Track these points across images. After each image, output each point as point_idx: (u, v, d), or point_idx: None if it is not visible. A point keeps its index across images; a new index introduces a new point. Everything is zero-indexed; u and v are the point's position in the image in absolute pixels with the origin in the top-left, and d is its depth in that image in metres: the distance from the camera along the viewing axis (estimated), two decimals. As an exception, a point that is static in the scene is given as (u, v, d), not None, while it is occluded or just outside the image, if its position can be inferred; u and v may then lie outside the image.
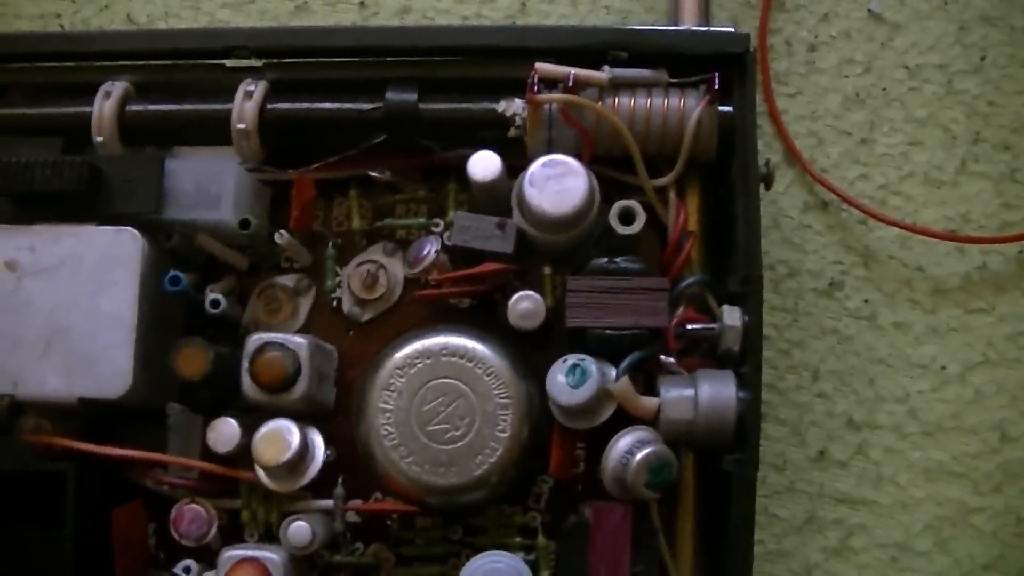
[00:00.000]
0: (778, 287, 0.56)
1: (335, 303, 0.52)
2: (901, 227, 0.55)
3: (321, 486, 0.50)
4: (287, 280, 0.52)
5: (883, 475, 0.55)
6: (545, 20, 0.59)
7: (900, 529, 0.55)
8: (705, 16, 0.55)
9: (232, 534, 0.50)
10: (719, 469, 0.49)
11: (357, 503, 0.50)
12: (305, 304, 0.52)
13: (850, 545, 0.55)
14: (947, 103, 0.57)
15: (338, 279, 0.52)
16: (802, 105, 0.58)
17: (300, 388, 0.48)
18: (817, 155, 0.57)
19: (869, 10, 0.58)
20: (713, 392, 0.48)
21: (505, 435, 0.48)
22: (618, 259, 0.49)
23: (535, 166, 0.48)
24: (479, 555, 0.48)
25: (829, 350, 0.56)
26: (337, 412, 0.51)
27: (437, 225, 0.52)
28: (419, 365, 0.48)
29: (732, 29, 0.50)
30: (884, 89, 0.57)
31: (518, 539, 0.50)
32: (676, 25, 0.55)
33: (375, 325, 0.52)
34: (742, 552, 0.47)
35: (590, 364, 0.47)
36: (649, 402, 0.48)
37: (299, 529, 0.48)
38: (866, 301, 0.56)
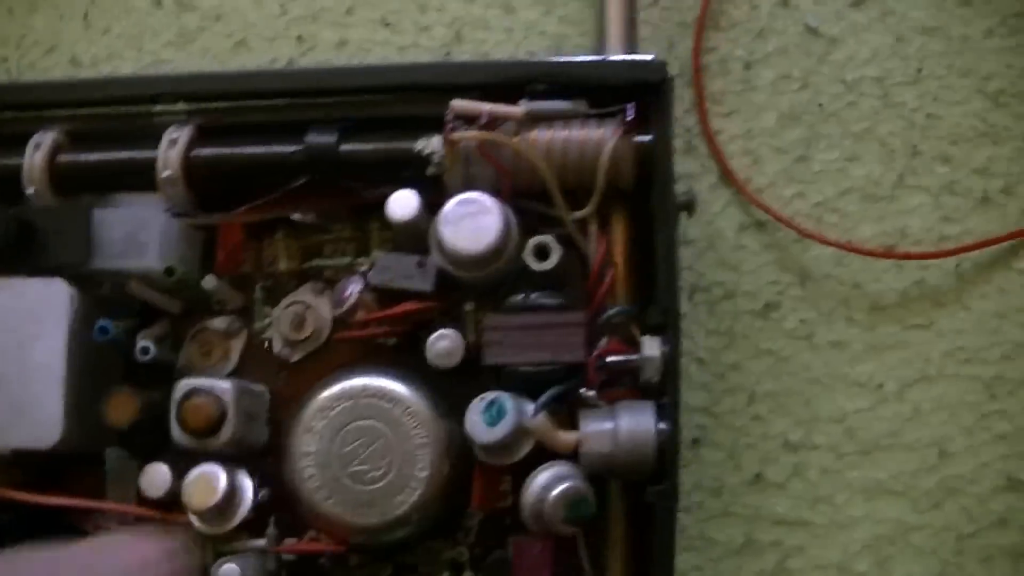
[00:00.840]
0: (713, 309, 0.56)
1: (266, 344, 0.53)
2: (836, 246, 0.55)
3: (258, 525, 0.51)
4: (219, 323, 0.53)
5: (820, 495, 0.55)
6: (481, 47, 0.59)
7: (838, 549, 0.54)
8: (631, 41, 0.55)
9: None
10: (642, 500, 0.49)
11: (292, 542, 0.51)
12: (237, 346, 0.53)
13: (788, 567, 0.55)
14: (884, 116, 0.56)
15: (268, 320, 0.52)
16: (737, 124, 0.57)
17: (227, 432, 0.49)
18: (754, 174, 0.57)
19: (806, 25, 0.57)
20: (632, 424, 0.48)
21: (425, 474, 0.48)
22: (534, 294, 0.49)
23: (449, 205, 0.48)
24: (408, 591, 0.49)
25: (765, 371, 0.55)
26: (270, 452, 0.52)
27: (362, 264, 0.52)
28: (339, 407, 0.49)
29: (651, 57, 0.50)
30: (820, 105, 0.57)
31: (446, 574, 0.50)
32: (603, 51, 0.55)
33: (305, 365, 0.52)
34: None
35: (506, 401, 0.48)
36: (567, 436, 0.48)
37: (229, 572, 0.49)
38: (802, 321, 0.56)
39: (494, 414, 0.48)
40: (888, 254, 0.55)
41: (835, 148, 0.56)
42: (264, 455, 0.52)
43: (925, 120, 0.56)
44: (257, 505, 0.51)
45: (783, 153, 0.57)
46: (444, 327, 0.50)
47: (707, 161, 0.57)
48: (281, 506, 0.51)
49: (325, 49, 0.59)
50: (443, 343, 0.49)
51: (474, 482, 0.49)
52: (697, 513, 0.54)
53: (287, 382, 0.52)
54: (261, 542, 0.50)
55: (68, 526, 0.51)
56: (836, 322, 0.55)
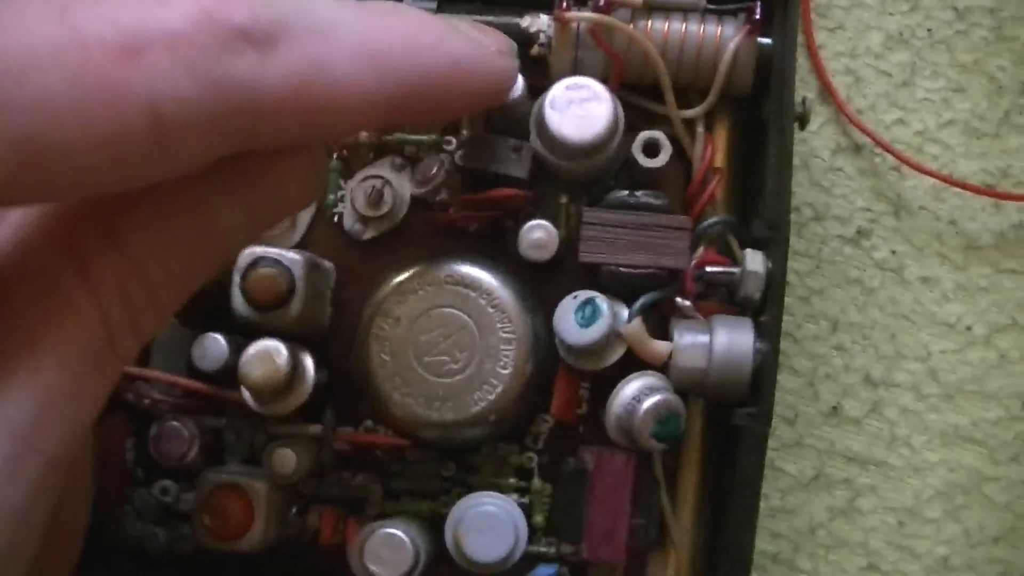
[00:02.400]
0: (802, 231, 0.52)
1: (336, 218, 0.48)
2: (936, 177, 0.52)
3: (309, 410, 0.47)
4: (286, 191, 0.48)
5: (897, 436, 0.52)
6: (577, -68, 0.54)
7: (910, 493, 0.52)
8: (749, -61, 0.51)
9: (214, 455, 0.47)
10: (729, 422, 0.46)
11: (347, 431, 0.47)
12: (304, 218, 0.48)
13: (857, 506, 0.52)
14: (995, 49, 0.53)
15: (341, 193, 0.48)
16: (842, 41, 0.53)
17: (294, 307, 0.45)
18: (853, 94, 0.53)
19: (920, -56, 0.54)
20: (729, 341, 0.44)
21: (506, 372, 0.44)
22: (639, 193, 0.45)
23: (558, 88, 0.44)
24: (471, 495, 0.45)
25: (851, 301, 0.52)
26: (330, 334, 0.48)
27: (449, 143, 0.48)
28: (420, 292, 0.45)
29: (778, -45, 0.46)
30: (929, 30, 0.53)
31: (512, 480, 0.47)
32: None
33: (376, 244, 0.48)
34: (748, 511, 0.44)
35: (602, 303, 0.44)
36: (661, 347, 0.45)
37: (283, 456, 0.45)
38: (893, 252, 0.52)
39: (588, 314, 0.44)
40: (990, 192, 0.52)
41: (940, 77, 0.53)
42: (324, 337, 0.48)
43: (1038, 58, 0.53)
44: (313, 390, 0.47)
45: (887, 76, 0.53)
46: (536, 218, 0.46)
47: (807, 76, 0.53)
48: (337, 393, 0.47)
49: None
50: (537, 233, 0.45)
51: (556, 386, 0.46)
52: (769, 441, 0.51)
53: (355, 261, 0.48)
54: (316, 428, 0.47)
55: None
56: (928, 258, 0.52)
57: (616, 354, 0.45)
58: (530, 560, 0.46)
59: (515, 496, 0.46)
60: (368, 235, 0.48)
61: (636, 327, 0.44)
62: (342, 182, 0.48)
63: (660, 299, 0.45)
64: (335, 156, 0.48)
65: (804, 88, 0.53)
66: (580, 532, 0.45)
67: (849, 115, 0.52)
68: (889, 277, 0.52)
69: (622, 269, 0.45)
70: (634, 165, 0.45)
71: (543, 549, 0.46)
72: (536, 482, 0.47)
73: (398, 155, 0.48)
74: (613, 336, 0.44)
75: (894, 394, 0.52)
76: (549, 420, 0.47)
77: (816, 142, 0.53)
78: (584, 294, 0.44)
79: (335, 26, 0.31)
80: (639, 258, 0.45)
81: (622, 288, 0.45)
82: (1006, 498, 0.51)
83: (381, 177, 0.48)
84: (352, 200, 0.48)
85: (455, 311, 0.45)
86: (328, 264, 0.48)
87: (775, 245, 0.45)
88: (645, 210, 0.45)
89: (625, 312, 0.45)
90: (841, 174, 0.53)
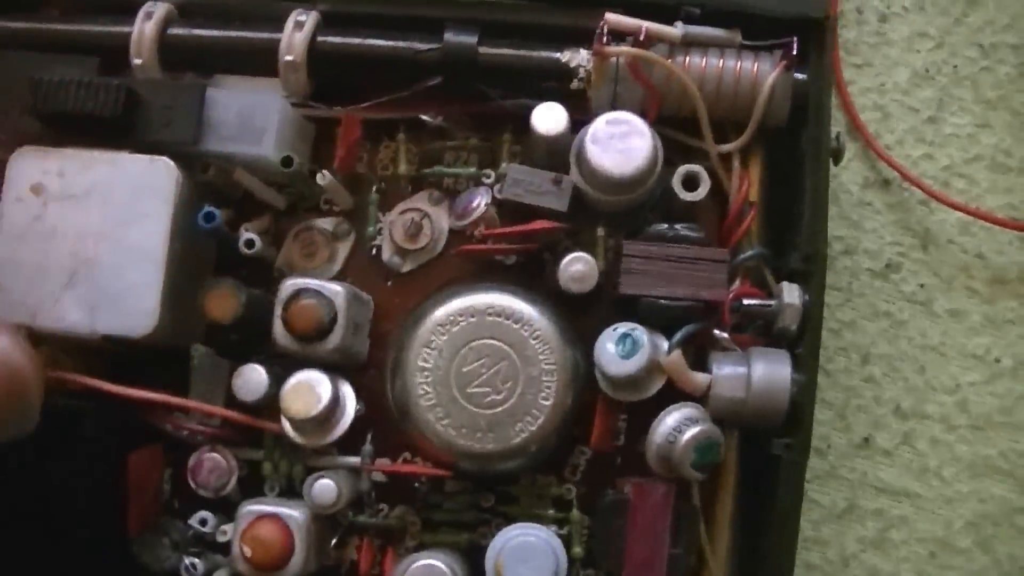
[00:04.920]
0: (833, 264, 0.52)
1: (374, 251, 0.48)
2: (964, 211, 0.51)
3: (347, 442, 0.46)
4: (326, 223, 0.48)
5: (928, 467, 0.51)
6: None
7: (941, 524, 0.51)
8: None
9: (251, 486, 0.46)
10: (767, 452, 0.45)
11: (385, 463, 0.46)
12: (343, 249, 0.48)
13: (889, 537, 0.51)
14: (1020, 86, 0.53)
15: (379, 226, 0.48)
16: (869, 77, 0.53)
17: (335, 338, 0.44)
18: (882, 130, 0.53)
19: (944, -18, 0.53)
20: (767, 372, 0.44)
21: (548, 403, 0.44)
22: (678, 226, 0.45)
23: (599, 123, 0.44)
24: (511, 526, 0.45)
25: (881, 333, 0.52)
26: (369, 365, 0.47)
27: (488, 176, 0.47)
28: (462, 323, 0.44)
29: (813, -7, 0.46)
30: (955, 67, 0.53)
31: (551, 511, 0.46)
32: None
33: (415, 277, 0.47)
34: (787, 539, 0.44)
35: (642, 334, 0.43)
36: (700, 378, 0.44)
37: (325, 487, 0.44)
38: (922, 286, 0.52)
39: (628, 346, 0.43)
40: (1016, 225, 0.51)
41: (967, 113, 0.53)
42: (363, 368, 0.47)
43: (1061, 94, 0.53)
44: (353, 421, 0.46)
45: (913, 112, 0.53)
46: (574, 250, 0.45)
47: (836, 112, 0.53)
48: (375, 424, 0.47)
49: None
50: (578, 266, 0.45)
51: (596, 418, 0.45)
52: (801, 473, 0.51)
53: (393, 293, 0.47)
54: (354, 460, 0.46)
55: (143, 424, 0.46)
56: (956, 290, 0.52)
57: (656, 385, 0.44)
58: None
59: (554, 527, 0.45)
60: (407, 267, 0.48)
61: (676, 358, 0.44)
62: (380, 215, 0.48)
63: (698, 330, 0.45)
64: (374, 189, 0.48)
65: (833, 124, 0.51)
66: (620, 562, 0.44)
67: (878, 150, 0.52)
68: (918, 310, 0.52)
69: (662, 301, 0.44)
70: (672, 197, 0.45)
71: (584, 582, 0.45)
72: (575, 513, 0.46)
73: (436, 188, 0.48)
74: (653, 367, 0.44)
75: (925, 425, 0.51)
76: (587, 452, 0.47)
77: (845, 177, 0.52)
78: (624, 326, 0.44)
79: None
80: (678, 290, 0.44)
81: (660, 320, 0.44)
82: (1037, 528, 0.51)
83: (420, 210, 0.47)
84: (391, 232, 0.47)
85: (497, 342, 0.44)
86: (367, 296, 0.47)
87: (812, 277, 0.45)
88: (684, 243, 0.44)
89: (664, 343, 0.44)
90: (870, 208, 0.52)
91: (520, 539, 0.44)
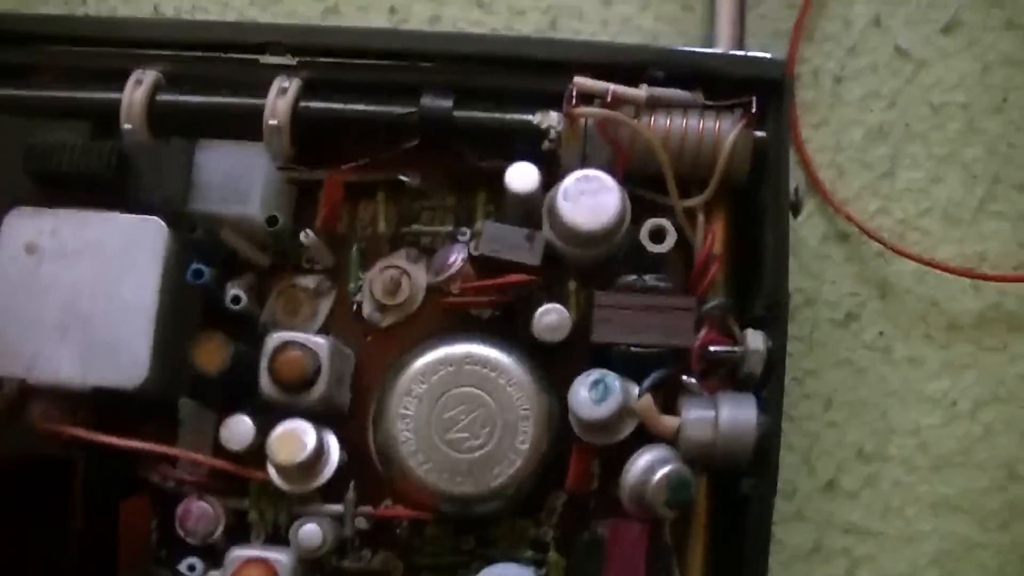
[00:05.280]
0: (794, 315, 0.54)
1: (355, 307, 0.49)
2: (920, 261, 0.53)
3: (330, 490, 0.47)
4: (308, 281, 0.49)
5: (891, 507, 0.53)
6: (576, 37, 0.56)
7: (906, 562, 0.53)
8: (740, 41, 0.53)
9: (238, 534, 0.48)
10: (735, 493, 0.47)
11: (367, 509, 0.48)
12: (325, 305, 0.50)
13: (857, 575, 0.53)
14: (969, 141, 0.55)
15: (360, 283, 0.49)
16: (826, 136, 0.56)
17: (319, 388, 0.46)
18: (838, 186, 0.55)
19: (896, 46, 0.56)
20: (733, 414, 0.46)
21: (525, 447, 0.45)
22: (647, 277, 0.47)
23: (570, 180, 0.46)
24: (490, 566, 0.46)
25: (842, 381, 0.54)
26: (351, 416, 0.49)
27: (464, 234, 0.49)
28: (441, 372, 0.46)
29: (769, 55, 0.48)
30: (907, 124, 0.55)
31: (529, 553, 0.48)
32: (711, 47, 0.53)
33: (394, 331, 0.49)
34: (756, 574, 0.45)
35: (613, 380, 0.45)
36: (670, 421, 0.46)
37: (310, 532, 0.46)
38: (881, 334, 0.54)
39: (601, 391, 0.45)
40: (970, 273, 0.54)
41: (919, 168, 0.55)
42: (345, 419, 0.48)
43: (1007, 149, 0.55)
44: (336, 470, 0.48)
45: (868, 168, 0.55)
46: (547, 302, 0.47)
47: (795, 169, 0.55)
48: (356, 473, 0.48)
49: (417, 23, 0.57)
50: (551, 317, 0.46)
51: (571, 461, 0.47)
52: (768, 515, 0.52)
53: (373, 347, 0.49)
54: (337, 507, 0.47)
55: (131, 475, 0.47)
56: (914, 338, 0.54)
57: (628, 428, 0.46)
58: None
59: (532, 569, 0.47)
60: (386, 322, 0.49)
61: (647, 402, 0.45)
62: (360, 273, 0.49)
63: (668, 376, 0.46)
64: (355, 248, 0.49)
65: (792, 179, 0.54)
66: (597, 603, 0.45)
67: (835, 205, 0.54)
68: (878, 357, 0.54)
69: (633, 348, 0.46)
70: (640, 251, 0.47)
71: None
72: (552, 555, 0.48)
73: (414, 246, 0.50)
74: (624, 411, 0.46)
75: (887, 467, 0.53)
76: (563, 496, 0.48)
77: (805, 231, 0.55)
78: (596, 372, 0.45)
79: None
80: (648, 338, 0.46)
81: (632, 366, 0.46)
82: (997, 563, 0.52)
83: (398, 267, 0.49)
84: (371, 289, 0.49)
85: (475, 390, 0.46)
86: (348, 350, 0.49)
87: (775, 324, 0.46)
88: (652, 292, 0.46)
89: (635, 388, 0.46)
90: (829, 261, 0.55)
91: (499, 570, 0.45)
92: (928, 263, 0.54)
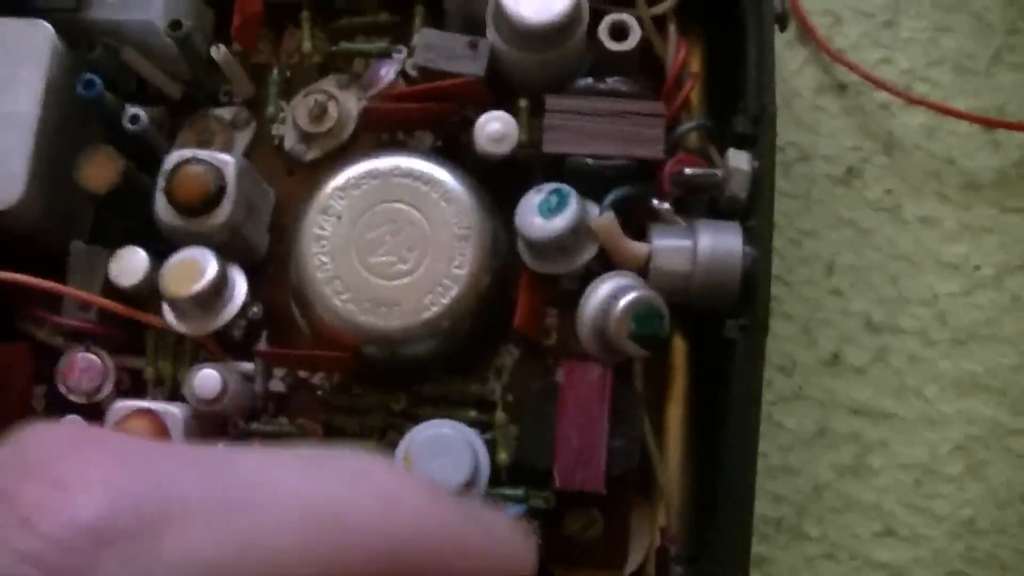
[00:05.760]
0: (788, 171, 0.46)
1: (277, 141, 0.42)
2: (933, 107, 0.46)
3: (241, 348, 0.40)
4: (224, 112, 0.42)
5: (907, 385, 0.45)
6: None
7: (926, 448, 0.44)
8: None
9: (131, 394, 0.40)
10: (720, 337, 0.39)
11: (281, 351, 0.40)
12: (242, 139, 0.42)
13: (867, 463, 0.44)
14: (979, -11, 0.48)
15: (282, 115, 0.42)
16: (817, -19, 0.49)
17: (224, 211, 0.38)
18: (834, 34, 0.48)
19: None
20: (715, 243, 0.38)
21: (462, 272, 0.37)
22: (608, 79, 0.39)
23: (515, -28, 0.39)
24: (423, 423, 0.38)
25: (846, 243, 0.46)
26: (268, 263, 0.41)
27: (400, 51, 0.42)
28: (364, 186, 0.38)
29: None
30: (909, -30, 0.49)
31: (472, 413, 0.39)
32: None
33: (320, 167, 0.42)
34: (745, 432, 0.37)
35: (570, 192, 0.38)
36: (638, 247, 0.38)
37: (207, 377, 0.38)
38: (888, 192, 0.46)
39: (554, 204, 0.37)
40: (986, 120, 0.46)
41: (924, 17, 0.48)
42: (261, 265, 0.41)
43: (1026, -3, 0.48)
44: (247, 325, 0.40)
45: (867, 16, 0.48)
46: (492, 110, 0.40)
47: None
48: (273, 330, 0.40)
49: None
50: (495, 125, 0.39)
51: (519, 295, 0.39)
52: (764, 393, 0.43)
53: (297, 186, 0.42)
54: (248, 366, 0.40)
55: (12, 328, 0.40)
56: (926, 197, 0.46)
57: (586, 254, 0.38)
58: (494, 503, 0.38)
59: (476, 431, 0.38)
60: (311, 155, 0.42)
61: (608, 220, 0.38)
62: (284, 103, 0.42)
63: (635, 195, 0.39)
64: (275, 71, 0.42)
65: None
66: (550, 456, 0.37)
67: (831, 52, 0.47)
68: (885, 217, 0.46)
69: (590, 160, 0.38)
70: (601, 51, 0.40)
71: (508, 492, 0.38)
72: (499, 415, 0.39)
73: (345, 71, 0.43)
74: (583, 232, 0.38)
75: (900, 340, 0.45)
76: (515, 352, 0.40)
77: (797, 82, 0.47)
78: (551, 184, 0.38)
79: (258, 487, 0.23)
80: (609, 148, 0.38)
81: (591, 182, 0.38)
82: (1034, 452, 0.44)
83: (325, 92, 0.42)
84: (294, 117, 0.42)
85: (403, 206, 0.38)
86: (268, 186, 0.41)
87: (761, 139, 0.39)
88: (614, 96, 0.39)
89: (595, 209, 0.38)
90: (825, 113, 0.47)
91: (433, 432, 0.37)
92: (943, 109, 0.46)
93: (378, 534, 0.23)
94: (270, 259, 0.41)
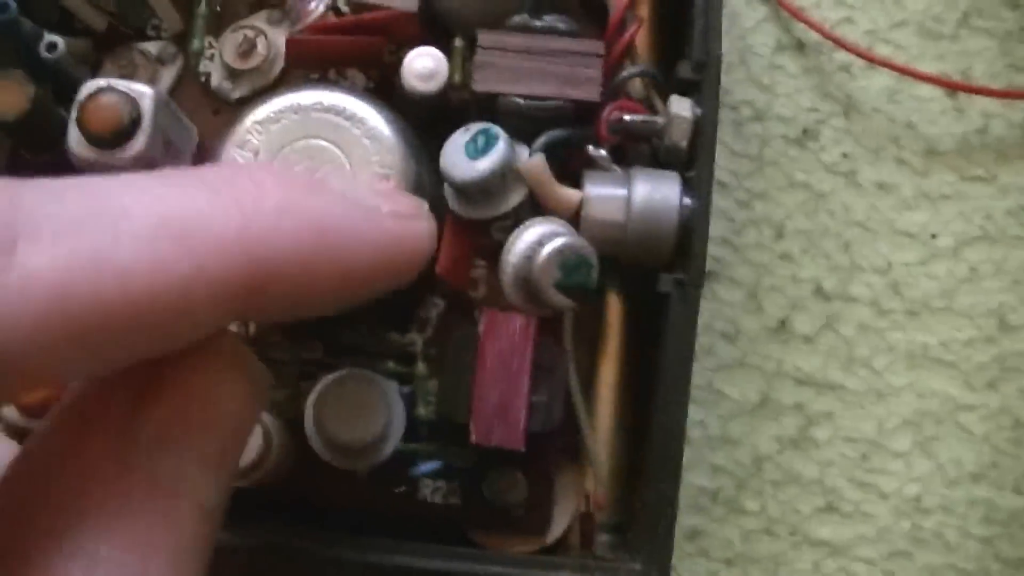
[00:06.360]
0: (740, 130, 0.44)
1: (204, 79, 0.40)
2: (893, 68, 0.43)
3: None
4: (150, 46, 0.40)
5: (855, 356, 0.42)
6: None
7: (873, 422, 0.41)
8: None
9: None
10: (655, 295, 0.36)
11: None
12: (167, 75, 0.40)
13: (811, 436, 0.41)
14: (948, -48, 0.46)
15: (210, 52, 0.40)
16: (780, -60, 0.46)
17: (138, 143, 0.35)
18: (795, -7, 0.45)
19: None
20: (651, 192, 0.35)
21: (383, 212, 0.35)
22: (546, 16, 0.37)
23: None
24: (336, 372, 0.35)
25: (798, 206, 0.43)
26: (189, 203, 0.38)
27: (334, -13, 0.40)
28: (284, 121, 0.36)
29: None
30: (872, -69, 0.46)
31: (391, 365, 0.37)
32: None
33: (247, 106, 0.39)
34: (676, 391, 0.34)
35: (499, 133, 0.35)
36: (569, 193, 0.36)
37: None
38: (845, 155, 0.44)
39: (480, 144, 0.35)
40: (950, 84, 0.43)
41: (890, -22, 0.46)
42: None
43: (994, -41, 0.46)
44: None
45: (830, -23, 0.46)
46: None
47: (743, -31, 0.46)
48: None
49: None
50: (424, 61, 0.36)
51: (443, 238, 0.36)
52: (705, 360, 0.41)
53: (222, 126, 0.39)
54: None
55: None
56: (884, 162, 0.44)
57: (514, 198, 0.36)
58: (411, 459, 0.36)
59: (394, 383, 0.36)
60: (238, 93, 0.39)
61: (538, 162, 0.35)
62: (213, 40, 0.40)
63: (568, 138, 0.36)
64: (203, 3, 0.40)
65: (741, -15, 0.45)
66: (467, 410, 0.34)
67: (792, 10, 0.44)
68: (840, 181, 0.43)
69: (522, 101, 0.36)
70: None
71: (425, 447, 0.36)
72: (420, 367, 0.37)
73: (278, 8, 0.40)
74: (511, 175, 0.35)
75: (851, 309, 0.42)
76: (439, 304, 0.38)
77: (754, 39, 0.45)
78: (479, 125, 0.35)
79: (109, 205, 0.23)
80: (544, 88, 0.36)
81: (524, 125, 0.36)
82: (984, 429, 0.41)
83: (254, 27, 0.39)
84: (221, 53, 0.39)
85: (323, 142, 0.35)
86: (190, 124, 0.39)
87: (705, 87, 0.36)
88: (551, 34, 0.36)
89: (525, 151, 0.36)
90: (783, 72, 0.45)
91: (345, 379, 0.35)
92: (906, 71, 0.43)
93: (236, 238, 0.22)
94: (190, 199, 0.39)
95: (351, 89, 0.37)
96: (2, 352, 0.20)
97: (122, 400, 0.24)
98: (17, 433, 0.35)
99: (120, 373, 0.24)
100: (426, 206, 0.28)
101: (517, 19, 0.37)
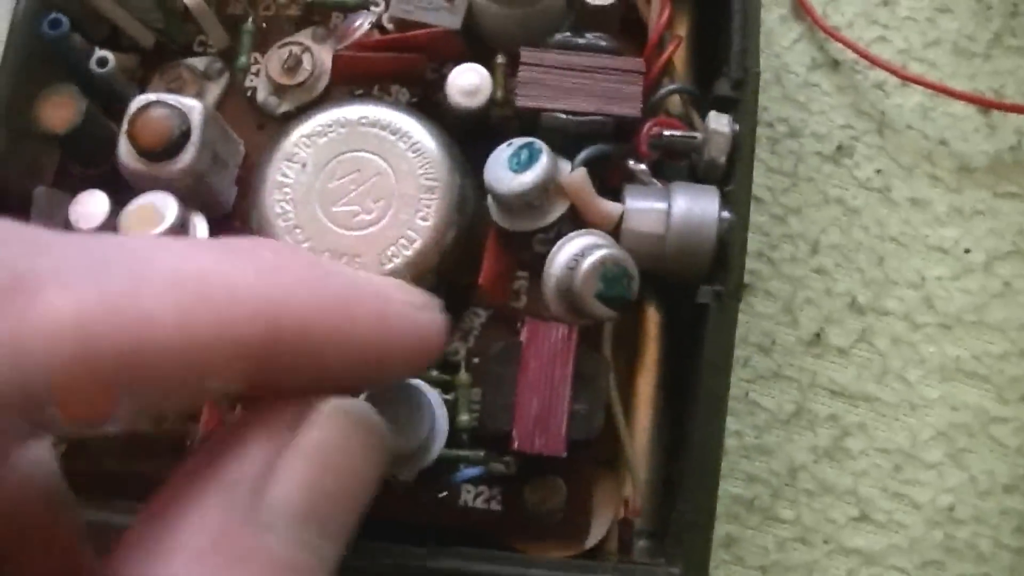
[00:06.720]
0: (776, 147, 0.44)
1: (250, 94, 0.40)
2: (926, 86, 0.44)
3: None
4: (197, 62, 0.41)
5: (889, 368, 0.42)
6: None
7: (906, 434, 0.41)
8: None
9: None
10: (693, 308, 0.36)
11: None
12: (214, 90, 0.40)
13: (845, 447, 0.41)
14: (981, -29, 0.46)
15: (256, 67, 0.40)
16: (814, -40, 0.46)
17: (187, 156, 0.36)
18: (830, 11, 0.46)
19: None
20: (691, 206, 0.36)
21: (426, 224, 0.35)
22: (587, 35, 0.37)
23: (494, -80, 0.37)
24: (381, 382, 0.36)
25: (832, 221, 0.43)
26: (235, 219, 0.39)
27: (377, 4, 0.40)
28: (331, 135, 0.36)
29: None
30: (909, -49, 0.46)
31: (435, 373, 0.37)
32: None
33: (293, 120, 0.40)
34: (714, 401, 0.35)
35: (542, 146, 0.36)
36: (610, 207, 0.36)
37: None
38: (878, 171, 0.44)
39: (524, 158, 0.35)
40: (983, 101, 0.44)
41: (923, -1, 0.46)
42: (227, 221, 0.39)
43: (1027, -21, 0.46)
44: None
45: (864, -4, 0.46)
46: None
47: (779, -6, 0.46)
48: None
49: None
50: (468, 77, 0.37)
51: (486, 252, 0.36)
52: (741, 371, 0.41)
53: (266, 141, 0.39)
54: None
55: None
56: (917, 178, 0.44)
57: (556, 211, 0.36)
58: (454, 465, 0.36)
59: (438, 391, 0.36)
60: (283, 108, 0.40)
61: (580, 176, 0.36)
62: (259, 55, 0.41)
63: (610, 153, 0.37)
64: (250, 20, 0.41)
65: (776, 5, 0.46)
66: (509, 417, 0.35)
67: (827, 29, 0.45)
68: (874, 197, 0.44)
69: (564, 116, 0.36)
70: (581, 9, 0.38)
71: (467, 454, 0.36)
72: (463, 375, 0.37)
73: (323, 25, 0.41)
74: (553, 189, 0.36)
75: (884, 322, 0.42)
76: (481, 315, 0.38)
77: (789, 58, 0.45)
78: (522, 139, 0.36)
79: (134, 256, 0.23)
80: (585, 104, 0.36)
81: (566, 140, 0.36)
82: (1017, 441, 0.41)
83: (300, 43, 0.40)
84: (267, 68, 0.40)
85: (369, 155, 0.36)
86: (237, 138, 0.39)
87: (742, 104, 0.37)
88: (593, 52, 0.37)
89: (567, 166, 0.36)
90: (817, 90, 0.45)
91: (389, 387, 0.35)
92: (940, 89, 0.43)
93: (256, 298, 0.23)
94: (236, 214, 0.39)
95: (396, 104, 0.37)
96: (29, 388, 0.20)
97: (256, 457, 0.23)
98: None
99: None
100: (438, 301, 0.28)
101: (559, 37, 0.37)
